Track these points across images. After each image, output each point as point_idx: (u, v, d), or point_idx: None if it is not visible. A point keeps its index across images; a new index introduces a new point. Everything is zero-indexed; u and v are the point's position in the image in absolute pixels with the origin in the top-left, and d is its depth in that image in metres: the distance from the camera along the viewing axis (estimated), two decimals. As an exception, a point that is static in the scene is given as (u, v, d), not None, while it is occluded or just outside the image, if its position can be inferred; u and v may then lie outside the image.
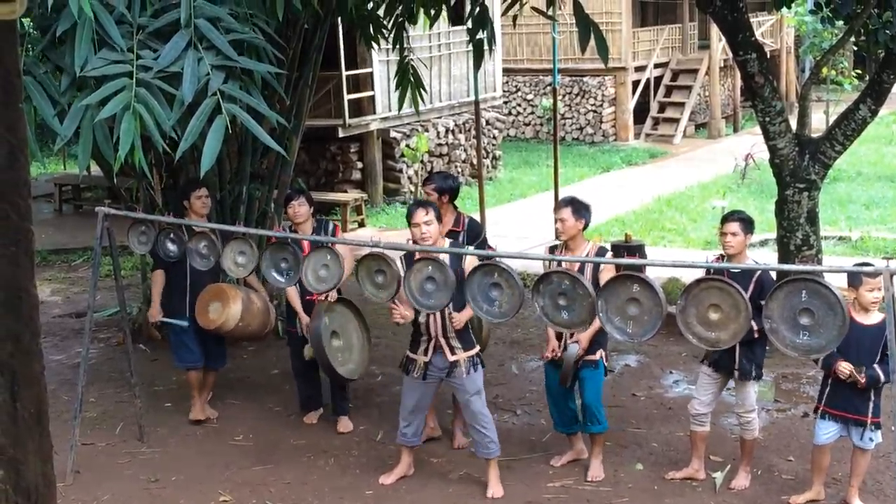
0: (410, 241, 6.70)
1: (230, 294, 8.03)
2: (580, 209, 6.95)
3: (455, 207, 7.82)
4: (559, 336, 7.03)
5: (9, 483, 1.72)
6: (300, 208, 7.95)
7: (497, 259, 6.17)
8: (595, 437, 7.29)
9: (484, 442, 7.00)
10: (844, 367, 6.25)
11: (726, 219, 6.85)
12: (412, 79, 10.45)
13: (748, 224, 6.80)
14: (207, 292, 8.04)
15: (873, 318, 6.32)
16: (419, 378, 6.96)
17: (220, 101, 6.80)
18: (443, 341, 6.86)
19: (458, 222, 7.73)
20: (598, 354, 7.10)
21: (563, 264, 6.58)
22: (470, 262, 6.50)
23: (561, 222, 6.92)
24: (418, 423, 7.16)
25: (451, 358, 6.86)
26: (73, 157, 7.10)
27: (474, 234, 7.71)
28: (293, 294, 8.01)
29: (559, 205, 7.05)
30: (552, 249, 7.17)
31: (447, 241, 7.00)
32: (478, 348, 7.03)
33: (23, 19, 6.88)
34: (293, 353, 8.33)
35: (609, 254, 7.05)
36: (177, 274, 8.14)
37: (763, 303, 5.79)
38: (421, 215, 6.64)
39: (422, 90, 10.68)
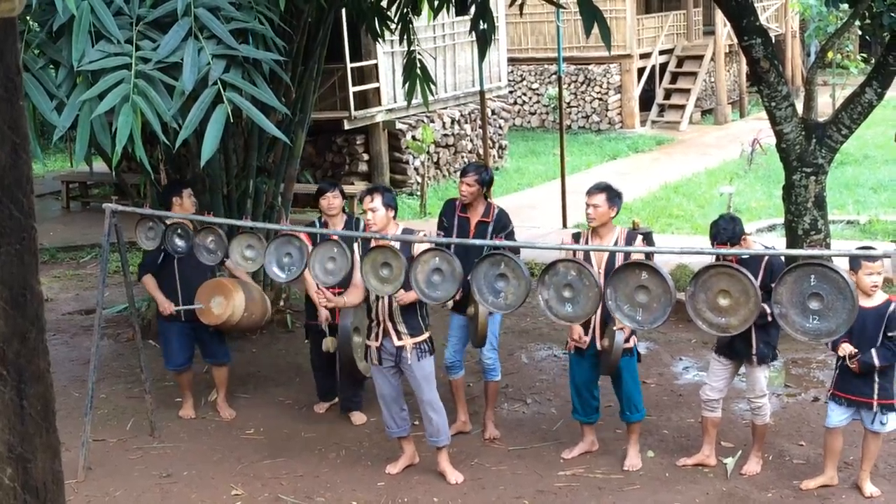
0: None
1: (230, 286, 8.03)
2: (614, 196, 6.88)
3: (486, 198, 7.79)
4: (585, 323, 6.96)
5: (17, 481, 1.72)
6: (334, 200, 8.01)
7: (503, 249, 6.15)
8: (632, 426, 7.27)
9: (433, 430, 7.05)
10: (844, 347, 6.26)
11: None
12: (420, 72, 10.44)
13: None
14: (205, 289, 8.03)
15: (875, 300, 6.33)
16: (377, 364, 6.99)
17: (221, 90, 6.80)
18: (389, 325, 6.87)
19: (488, 212, 7.70)
20: (632, 341, 7.07)
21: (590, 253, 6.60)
22: (418, 248, 6.50)
23: (594, 208, 6.82)
24: (397, 413, 7.13)
25: (398, 343, 6.88)
26: (79, 154, 7.16)
27: (501, 225, 7.60)
28: (314, 288, 7.90)
29: (592, 190, 6.90)
30: (576, 236, 7.13)
31: (400, 229, 6.93)
32: (427, 335, 6.98)
33: (24, 16, 6.89)
34: (314, 345, 8.29)
35: (639, 238, 6.97)
36: (166, 277, 8.16)
37: (773, 286, 5.79)
38: (367, 202, 6.77)
39: (430, 83, 10.67)
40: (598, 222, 6.84)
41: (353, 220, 8.21)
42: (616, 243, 6.81)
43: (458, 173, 8.05)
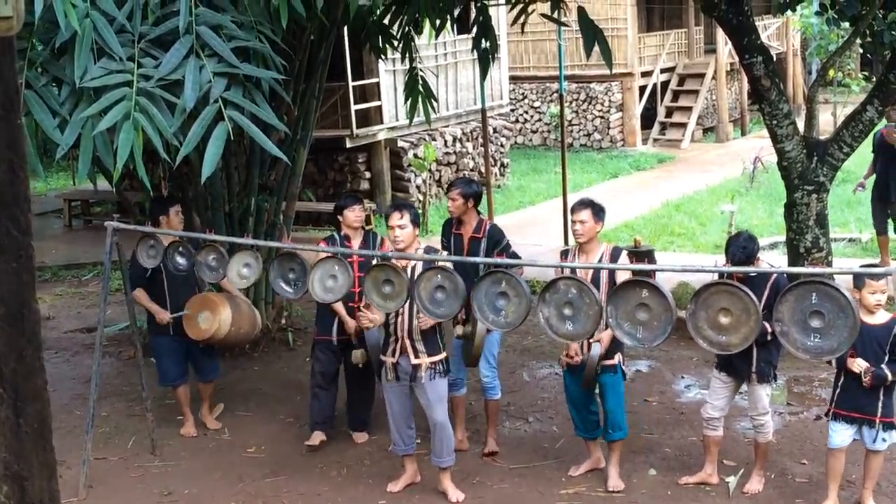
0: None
1: (217, 301, 8.05)
2: (598, 211, 6.93)
3: (478, 213, 7.82)
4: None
5: (13, 499, 1.72)
6: (362, 213, 8.00)
7: (505, 267, 6.16)
8: (613, 445, 7.23)
9: (439, 451, 7.02)
10: (860, 362, 6.23)
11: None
12: (422, 90, 10.47)
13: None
14: (193, 304, 8.06)
15: (879, 318, 6.32)
16: (392, 381, 6.97)
17: (222, 108, 6.81)
18: (408, 343, 6.86)
19: (480, 228, 7.71)
20: (616, 358, 7.04)
21: (577, 269, 6.58)
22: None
23: (581, 224, 6.85)
24: (405, 431, 7.14)
25: (414, 361, 6.87)
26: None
27: (494, 240, 7.65)
28: (341, 305, 7.80)
29: (577, 206, 6.95)
30: (564, 254, 7.15)
31: (422, 247, 6.97)
32: (444, 355, 6.98)
33: (28, 34, 6.90)
34: (321, 362, 8.06)
35: (623, 253, 6.99)
36: (155, 291, 8.17)
37: (775, 304, 5.78)
38: (396, 218, 6.76)
39: (432, 100, 10.69)
40: (586, 237, 6.88)
41: (371, 234, 8.18)
42: (601, 259, 6.85)
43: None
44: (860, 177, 18.45)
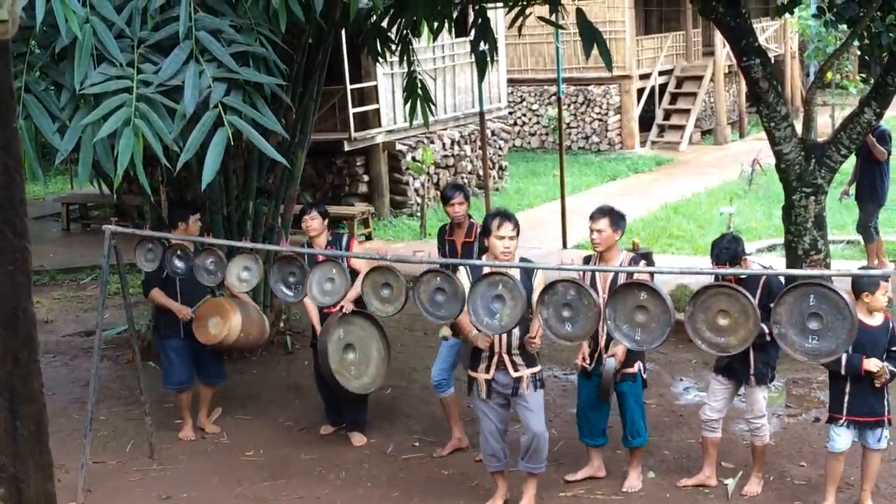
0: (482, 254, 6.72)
1: (228, 307, 8.07)
2: (617, 219, 6.87)
3: (468, 217, 7.85)
4: (593, 345, 6.97)
5: (10, 501, 1.72)
6: (312, 222, 7.96)
7: (502, 270, 6.16)
8: (634, 451, 7.24)
9: (537, 458, 6.82)
10: (875, 361, 6.25)
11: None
12: (420, 93, 10.48)
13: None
14: (203, 308, 8.07)
15: (878, 319, 6.35)
16: (485, 398, 6.77)
17: (222, 113, 6.81)
18: (506, 357, 6.65)
19: (471, 232, 7.74)
20: (636, 366, 7.02)
21: (585, 275, 6.57)
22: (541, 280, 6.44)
23: (598, 233, 6.81)
24: (501, 445, 6.92)
25: (515, 374, 6.66)
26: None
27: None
28: (311, 307, 7.94)
29: (596, 214, 6.90)
30: (586, 260, 7.10)
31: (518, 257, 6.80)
32: (540, 367, 6.81)
33: (28, 38, 6.91)
34: (317, 366, 8.19)
35: (643, 263, 6.97)
36: (169, 293, 8.17)
37: (773, 306, 5.79)
38: (508, 229, 6.52)
39: (430, 104, 10.70)
40: (604, 246, 6.83)
41: (338, 238, 8.17)
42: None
43: (440, 200, 8.06)
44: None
